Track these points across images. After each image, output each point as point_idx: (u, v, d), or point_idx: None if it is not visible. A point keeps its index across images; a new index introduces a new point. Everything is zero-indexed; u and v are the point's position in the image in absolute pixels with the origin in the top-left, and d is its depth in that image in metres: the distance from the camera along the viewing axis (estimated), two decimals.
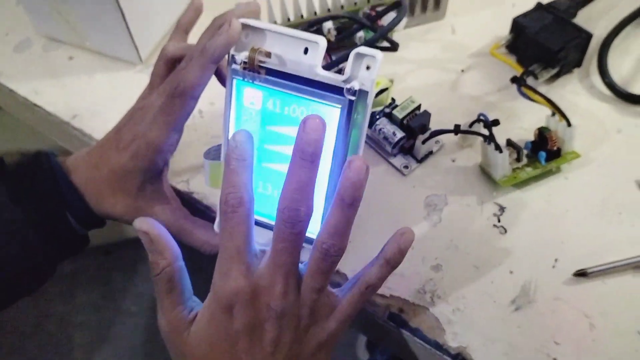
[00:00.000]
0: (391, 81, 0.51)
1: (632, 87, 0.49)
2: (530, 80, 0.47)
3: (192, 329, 0.33)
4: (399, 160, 0.46)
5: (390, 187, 0.45)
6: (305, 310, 0.32)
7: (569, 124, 0.43)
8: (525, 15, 0.50)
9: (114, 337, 1.16)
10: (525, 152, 0.43)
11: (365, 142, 0.46)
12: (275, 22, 0.50)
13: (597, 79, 0.50)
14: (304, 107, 0.33)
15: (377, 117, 0.46)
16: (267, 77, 0.33)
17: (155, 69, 0.41)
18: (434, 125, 0.47)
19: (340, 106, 0.32)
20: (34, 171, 0.40)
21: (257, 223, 0.35)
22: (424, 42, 0.54)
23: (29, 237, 0.38)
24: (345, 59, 0.49)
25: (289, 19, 0.50)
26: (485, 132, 0.43)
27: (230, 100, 0.34)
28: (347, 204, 0.30)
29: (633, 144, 0.46)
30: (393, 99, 0.48)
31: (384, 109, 0.47)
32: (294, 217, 0.30)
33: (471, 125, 0.45)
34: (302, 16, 0.50)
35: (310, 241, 0.32)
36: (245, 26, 0.33)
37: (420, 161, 0.46)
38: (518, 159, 0.44)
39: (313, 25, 0.49)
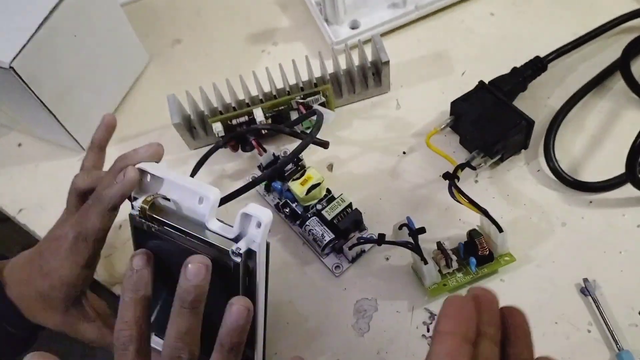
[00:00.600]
0: (330, 167, 0.50)
1: (583, 170, 0.46)
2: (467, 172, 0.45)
3: None
4: (330, 260, 0.45)
5: (321, 289, 0.44)
6: None
7: (500, 230, 0.41)
8: (464, 98, 0.47)
9: None
10: (454, 259, 0.42)
11: (300, 238, 0.46)
12: (204, 113, 0.49)
13: (544, 162, 0.47)
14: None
15: (309, 215, 0.45)
16: (161, 228, 0.33)
17: (69, 199, 0.41)
18: (368, 219, 0.46)
19: (230, 263, 0.32)
20: None
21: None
22: (368, 119, 0.52)
23: None
24: (297, 122, 0.48)
25: (220, 112, 0.49)
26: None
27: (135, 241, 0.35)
28: (227, 349, 0.32)
29: (576, 241, 0.43)
30: (329, 190, 0.47)
31: (315, 205, 0.46)
32: None
33: (400, 227, 0.43)
34: (234, 108, 0.49)
35: None
36: (143, 172, 0.34)
37: (352, 261, 0.45)
38: (447, 265, 0.42)
39: (244, 115, 0.48)
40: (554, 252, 0.43)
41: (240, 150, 0.50)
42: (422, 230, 0.42)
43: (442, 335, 0.26)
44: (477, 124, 0.45)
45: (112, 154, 0.53)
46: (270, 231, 0.46)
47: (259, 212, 0.31)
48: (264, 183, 0.47)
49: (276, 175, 0.47)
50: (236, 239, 0.32)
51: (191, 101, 0.49)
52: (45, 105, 0.48)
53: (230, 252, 0.31)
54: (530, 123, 0.45)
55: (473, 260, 0.42)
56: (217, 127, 0.48)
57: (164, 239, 0.34)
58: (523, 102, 0.50)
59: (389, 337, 0.42)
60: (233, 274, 0.32)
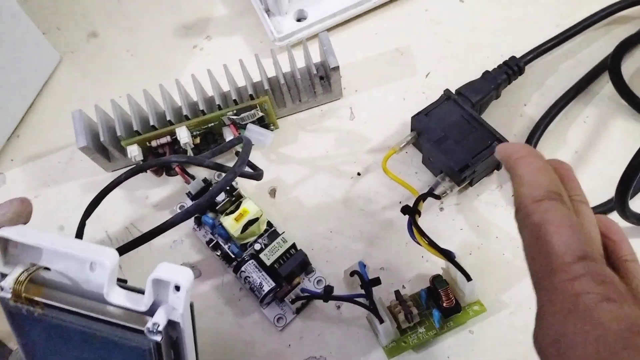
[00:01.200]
0: (273, 192, 0.42)
1: None
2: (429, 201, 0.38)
3: None
4: (272, 311, 0.38)
5: (261, 345, 0.38)
6: None
7: (469, 279, 0.34)
8: (427, 111, 0.39)
9: None
10: (415, 312, 0.35)
11: (236, 284, 0.39)
12: (117, 133, 0.41)
13: None
14: (100, 344, 0.26)
15: (245, 258, 0.38)
16: (46, 312, 0.26)
17: None
18: (316, 258, 0.39)
19: (145, 346, 0.24)
20: None
21: None
22: (317, 132, 0.44)
23: None
24: (220, 150, 0.40)
25: (137, 132, 0.40)
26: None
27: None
28: None
29: None
30: (269, 224, 0.40)
31: (254, 244, 0.38)
32: None
33: (352, 274, 0.36)
34: (154, 127, 0.40)
35: None
36: (4, 240, 0.26)
37: (297, 312, 0.38)
38: (407, 319, 0.35)
39: (166, 135, 0.40)
40: (531, 296, 0.37)
41: (164, 175, 0.42)
42: (377, 281, 0.35)
43: (523, 159, 0.24)
44: (441, 144, 0.38)
45: (15, 176, 0.46)
46: (200, 274, 0.40)
47: (175, 275, 0.24)
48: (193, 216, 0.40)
49: (205, 208, 0.39)
50: (150, 312, 0.25)
51: (102, 117, 0.41)
52: None
53: (146, 330, 0.24)
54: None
55: (437, 314, 0.35)
56: (133, 151, 0.40)
57: (52, 325, 0.26)
58: (496, 111, 0.43)
59: None
60: (153, 356, 0.25)
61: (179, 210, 0.41)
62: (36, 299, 0.26)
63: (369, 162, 0.43)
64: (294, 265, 0.37)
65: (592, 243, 0.23)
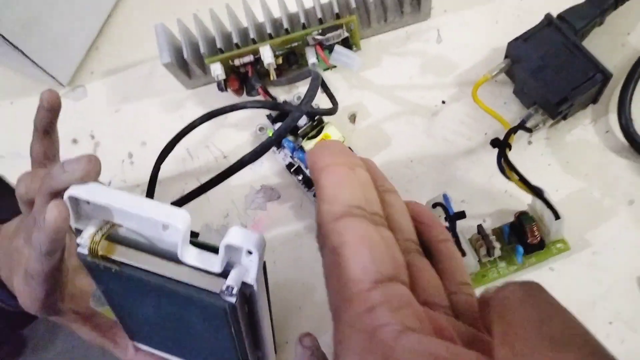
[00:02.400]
0: (353, 117, 0.41)
1: None
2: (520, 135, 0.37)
3: None
4: None
5: None
6: None
7: (557, 217, 0.34)
8: (525, 37, 0.37)
9: None
10: (497, 247, 0.35)
11: (314, 205, 0.40)
12: (200, 50, 0.40)
13: (616, 122, 0.38)
14: (177, 299, 0.26)
15: None
16: (122, 269, 0.26)
17: (20, 206, 0.32)
18: (396, 186, 0.39)
19: (220, 307, 0.25)
20: None
21: None
22: (401, 55, 0.42)
23: None
24: (294, 80, 0.39)
25: (220, 49, 0.40)
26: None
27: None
28: None
29: None
30: (349, 150, 0.39)
31: None
32: None
33: (434, 206, 0.36)
34: (237, 45, 0.39)
35: None
36: (74, 200, 0.25)
37: None
38: (489, 253, 0.35)
39: (249, 54, 0.39)
40: (616, 237, 0.36)
41: (245, 94, 0.42)
42: (462, 214, 0.35)
43: (326, 168, 0.22)
44: (539, 74, 0.36)
45: (96, 89, 0.46)
46: (280, 197, 0.41)
47: (247, 240, 0.24)
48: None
49: (286, 133, 0.39)
50: (225, 272, 0.25)
51: (184, 32, 0.40)
52: (5, 39, 0.39)
53: (220, 293, 0.24)
54: (607, 77, 0.35)
55: (520, 249, 0.35)
56: (216, 69, 0.39)
57: (129, 279, 0.26)
58: (597, 40, 0.40)
59: None
60: (229, 315, 0.25)
61: (258, 132, 0.41)
62: (112, 257, 0.26)
63: (455, 90, 0.41)
64: None
65: (393, 260, 0.21)
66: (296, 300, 0.38)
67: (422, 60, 0.42)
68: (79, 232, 0.26)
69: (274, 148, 0.41)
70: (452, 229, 0.34)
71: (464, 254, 0.34)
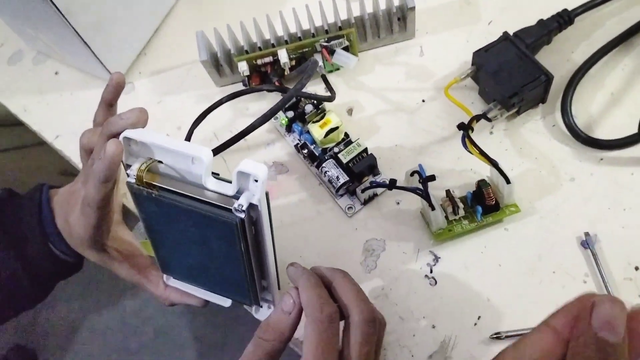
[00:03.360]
0: (350, 111, 0.51)
1: (598, 127, 0.47)
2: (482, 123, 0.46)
3: None
4: (344, 201, 0.47)
5: (334, 227, 0.47)
6: None
7: (508, 182, 0.42)
8: (487, 48, 0.47)
9: None
10: (461, 206, 0.44)
11: (316, 178, 0.48)
12: (230, 51, 0.50)
13: (560, 118, 0.47)
14: (200, 219, 0.34)
15: (326, 158, 0.47)
16: (160, 193, 0.34)
17: (80, 153, 0.43)
18: (382, 164, 0.48)
19: (232, 222, 0.33)
20: (27, 206, 0.44)
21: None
22: (390, 65, 0.53)
23: (15, 269, 0.44)
24: (301, 70, 0.49)
25: (246, 51, 0.50)
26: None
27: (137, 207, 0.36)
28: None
29: (582, 196, 0.45)
30: (346, 135, 0.49)
31: (333, 148, 0.48)
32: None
33: (412, 174, 0.45)
34: (260, 48, 0.50)
35: None
36: (128, 140, 0.34)
37: (364, 203, 0.47)
38: (454, 212, 0.44)
39: (269, 56, 0.50)
40: (560, 205, 0.45)
41: (265, 91, 0.52)
42: (432, 177, 0.44)
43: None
44: (496, 75, 0.46)
45: (143, 86, 0.56)
46: (288, 170, 0.50)
47: (254, 169, 0.31)
48: (285, 124, 0.49)
49: (296, 117, 0.49)
50: (236, 196, 0.33)
51: (219, 38, 0.50)
52: (80, 36, 0.50)
53: (233, 209, 0.32)
54: (549, 78, 0.45)
55: (479, 208, 0.44)
56: (243, 66, 0.49)
57: (165, 203, 0.34)
58: (547, 56, 0.50)
59: (394, 275, 0.45)
60: (239, 229, 0.33)
61: (274, 120, 0.51)
62: (153, 183, 0.34)
63: (432, 92, 0.51)
64: (365, 165, 0.46)
65: None
66: (299, 250, 0.47)
67: (407, 69, 0.52)
68: (128, 167, 0.34)
69: (285, 132, 0.50)
70: (425, 189, 0.43)
71: (433, 208, 0.43)
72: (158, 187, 0.34)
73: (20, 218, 0.44)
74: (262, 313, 0.42)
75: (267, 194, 0.34)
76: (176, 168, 0.34)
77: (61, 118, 0.56)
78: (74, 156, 0.54)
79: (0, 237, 0.44)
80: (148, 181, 0.33)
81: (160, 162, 0.34)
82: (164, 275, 0.43)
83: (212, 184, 0.33)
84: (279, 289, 0.42)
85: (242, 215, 0.32)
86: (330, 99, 0.46)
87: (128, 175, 0.34)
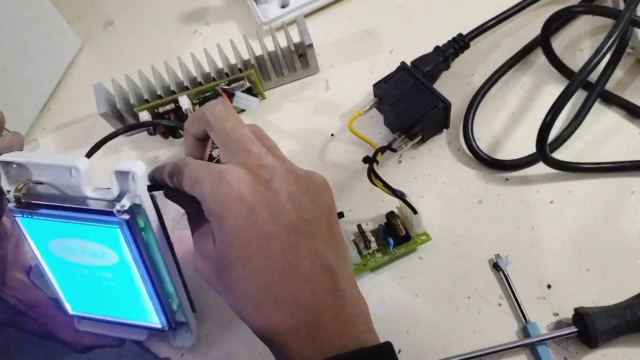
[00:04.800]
0: None
1: (502, 147, 0.48)
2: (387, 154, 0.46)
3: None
4: None
5: None
6: None
7: (415, 212, 0.42)
8: (386, 80, 0.48)
9: None
10: (372, 240, 0.43)
11: None
12: (130, 101, 0.49)
13: (464, 142, 0.48)
14: (87, 232, 0.34)
15: None
16: (43, 211, 0.34)
17: None
18: None
19: (117, 226, 0.32)
20: None
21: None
22: (298, 101, 0.53)
23: None
24: None
25: (146, 100, 0.49)
26: None
27: (24, 235, 0.36)
28: None
29: (491, 218, 0.45)
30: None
31: None
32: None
33: None
34: (160, 96, 0.49)
35: None
36: (4, 163, 0.34)
37: None
38: (367, 246, 0.44)
39: (170, 103, 0.49)
40: (470, 229, 0.45)
41: (170, 137, 0.51)
42: (341, 215, 0.43)
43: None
44: (396, 106, 0.46)
45: (48, 142, 0.54)
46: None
47: (131, 165, 0.31)
48: None
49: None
50: (118, 199, 0.32)
51: (118, 89, 0.49)
52: None
53: (115, 211, 0.31)
54: (447, 105, 0.46)
55: (390, 240, 0.43)
56: (144, 116, 0.48)
57: (48, 224, 0.34)
58: (447, 81, 0.51)
59: None
60: (125, 233, 0.33)
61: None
62: (33, 202, 0.33)
63: (340, 125, 0.51)
64: None
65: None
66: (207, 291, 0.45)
67: (315, 104, 0.52)
68: (8, 192, 0.34)
69: None
70: None
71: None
72: (38, 206, 0.33)
73: None
74: (180, 339, 0.41)
75: (154, 198, 0.33)
76: (57, 185, 0.33)
77: None
78: None
79: None
80: (27, 201, 0.33)
81: (40, 183, 0.34)
82: (75, 321, 0.42)
83: (91, 191, 0.33)
84: (193, 311, 0.41)
85: (126, 217, 0.32)
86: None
87: (9, 201, 0.33)
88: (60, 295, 0.39)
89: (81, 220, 0.33)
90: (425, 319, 0.43)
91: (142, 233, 0.34)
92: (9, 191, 0.34)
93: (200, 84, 0.49)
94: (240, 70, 0.49)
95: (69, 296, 0.40)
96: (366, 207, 0.47)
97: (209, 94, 0.49)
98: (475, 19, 0.51)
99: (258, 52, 0.51)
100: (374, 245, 0.44)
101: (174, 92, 0.49)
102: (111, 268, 0.35)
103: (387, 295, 0.44)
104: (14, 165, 0.34)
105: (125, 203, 0.31)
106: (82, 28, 0.59)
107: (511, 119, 0.49)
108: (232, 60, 0.50)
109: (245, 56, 0.50)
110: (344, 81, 0.53)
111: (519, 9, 0.51)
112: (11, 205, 0.33)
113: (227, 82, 0.48)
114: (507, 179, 0.47)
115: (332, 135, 0.50)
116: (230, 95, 0.48)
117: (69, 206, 0.33)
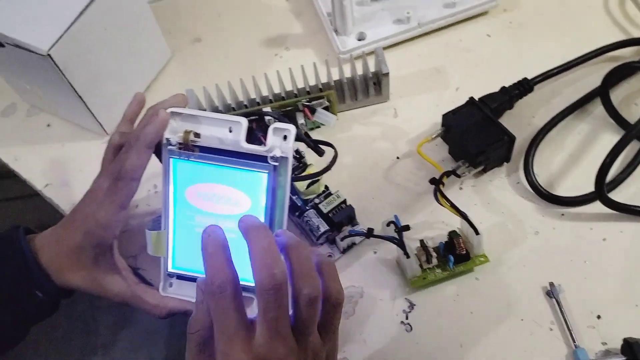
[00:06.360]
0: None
1: (559, 185, 0.51)
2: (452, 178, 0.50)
3: None
4: (324, 250, 0.50)
5: None
6: (309, 354, 0.35)
7: (477, 233, 0.45)
8: (454, 111, 0.52)
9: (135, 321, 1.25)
10: (434, 255, 0.46)
11: (298, 228, 0.51)
12: (218, 108, 0.54)
13: (524, 176, 0.51)
14: (236, 175, 0.38)
15: (307, 208, 0.50)
16: (201, 154, 0.38)
17: (105, 155, 0.45)
18: (360, 215, 0.51)
19: (267, 171, 0.37)
20: (4, 251, 0.45)
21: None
22: (367, 125, 0.57)
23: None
24: None
25: (233, 108, 0.53)
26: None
27: (168, 177, 0.39)
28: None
29: (546, 249, 0.48)
30: (327, 187, 0.51)
31: (314, 199, 0.50)
32: (273, 283, 0.32)
33: (388, 224, 0.48)
34: (245, 106, 0.53)
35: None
36: (174, 114, 0.38)
37: (343, 252, 0.50)
38: (428, 261, 0.47)
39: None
40: (526, 257, 0.48)
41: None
42: (407, 227, 0.46)
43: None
44: (464, 136, 0.50)
45: None
46: None
47: (287, 126, 0.37)
48: None
49: None
50: (269, 151, 0.37)
51: (207, 97, 0.54)
52: (76, 91, 0.53)
53: (269, 158, 0.37)
54: (512, 139, 0.49)
55: (451, 257, 0.46)
56: None
57: (201, 166, 0.38)
58: (509, 119, 0.54)
59: (372, 321, 0.46)
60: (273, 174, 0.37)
61: None
62: (195, 144, 0.37)
63: (406, 150, 0.55)
64: (344, 215, 0.49)
65: None
66: None
67: (383, 129, 0.56)
68: (168, 140, 0.38)
69: None
70: (400, 238, 0.46)
71: (408, 256, 0.45)
72: (198, 148, 0.38)
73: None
74: None
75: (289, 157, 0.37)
76: (213, 138, 0.37)
77: (51, 168, 0.58)
78: (63, 204, 0.55)
79: None
80: (192, 139, 0.37)
81: (198, 134, 0.38)
82: (160, 286, 0.42)
83: (247, 146, 0.37)
84: None
85: (276, 164, 0.36)
86: (319, 154, 0.50)
87: (170, 144, 0.38)
88: (169, 249, 0.41)
89: (233, 164, 0.37)
90: (479, 336, 0.45)
91: (279, 189, 0.38)
92: (168, 139, 0.38)
93: (283, 98, 0.53)
94: (321, 90, 0.53)
95: (177, 250, 0.41)
96: (426, 227, 0.50)
97: (290, 108, 0.53)
98: (534, 68, 0.55)
99: (335, 77, 0.55)
100: (434, 261, 0.47)
101: (258, 104, 0.53)
102: (236, 217, 0.37)
103: (444, 309, 0.46)
104: (180, 117, 0.38)
105: (277, 153, 0.36)
106: (172, 41, 0.64)
107: (568, 161, 0.52)
108: (312, 82, 0.55)
109: (325, 79, 0.55)
110: (411, 111, 0.57)
111: (582, 61, 0.55)
112: (172, 147, 0.38)
113: (308, 100, 0.53)
114: (562, 214, 0.49)
115: (398, 158, 0.54)
116: (312, 111, 0.52)
117: (228, 149, 0.37)
